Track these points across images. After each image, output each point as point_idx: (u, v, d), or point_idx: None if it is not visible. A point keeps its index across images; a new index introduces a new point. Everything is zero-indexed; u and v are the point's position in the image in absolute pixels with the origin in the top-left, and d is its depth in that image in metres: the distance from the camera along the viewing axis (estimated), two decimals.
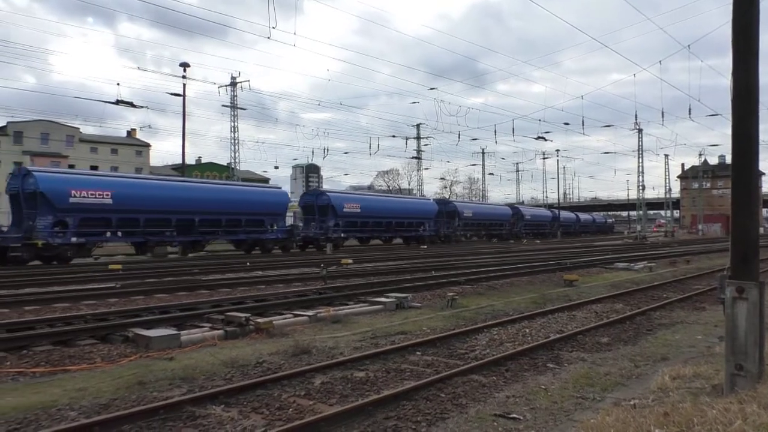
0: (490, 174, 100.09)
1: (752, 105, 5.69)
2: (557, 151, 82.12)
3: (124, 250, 33.15)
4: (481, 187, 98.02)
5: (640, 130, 67.58)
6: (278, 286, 16.69)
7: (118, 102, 35.74)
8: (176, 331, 9.48)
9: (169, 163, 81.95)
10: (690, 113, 39.85)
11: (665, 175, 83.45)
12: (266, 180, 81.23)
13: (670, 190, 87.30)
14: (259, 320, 10.18)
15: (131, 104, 37.20)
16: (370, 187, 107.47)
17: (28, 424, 5.43)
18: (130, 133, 77.99)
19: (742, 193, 5.71)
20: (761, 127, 6.08)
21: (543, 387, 6.76)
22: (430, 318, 11.70)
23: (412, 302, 13.33)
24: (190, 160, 79.34)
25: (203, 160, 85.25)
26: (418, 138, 72.62)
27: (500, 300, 14.45)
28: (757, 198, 5.76)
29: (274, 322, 10.32)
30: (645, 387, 6.63)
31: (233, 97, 52.30)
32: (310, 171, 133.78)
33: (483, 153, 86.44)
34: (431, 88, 60.48)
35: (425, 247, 45.06)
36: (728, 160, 6.70)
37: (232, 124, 53.64)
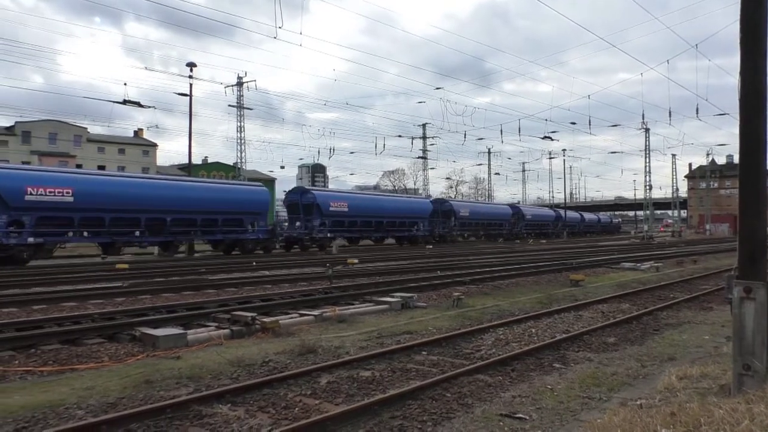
0: (496, 174, 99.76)
1: (760, 104, 5.67)
2: (564, 150, 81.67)
3: (92, 251, 31.97)
4: (487, 186, 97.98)
5: (647, 130, 67.27)
6: (284, 285, 16.72)
7: (125, 102, 35.89)
8: (183, 330, 9.52)
9: (176, 163, 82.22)
10: (697, 113, 39.81)
11: (672, 175, 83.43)
12: (272, 180, 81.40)
13: (677, 189, 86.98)
14: (265, 319, 10.21)
15: (138, 104, 37.38)
16: (375, 187, 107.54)
17: (36, 422, 5.46)
18: (137, 132, 78.36)
19: (750, 193, 5.68)
20: None
21: (549, 387, 6.75)
22: (435, 318, 11.70)
23: (417, 302, 13.33)
24: (197, 159, 79.48)
25: (210, 160, 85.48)
26: (424, 138, 72.59)
27: (506, 300, 14.42)
28: (765, 197, 5.72)
29: (280, 321, 10.35)
30: (652, 387, 6.61)
31: (240, 97, 52.40)
32: (316, 171, 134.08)
33: (489, 153, 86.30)
34: (437, 88, 60.50)
35: (430, 247, 44.97)
36: (736, 159, 6.65)
37: (239, 123, 53.76)
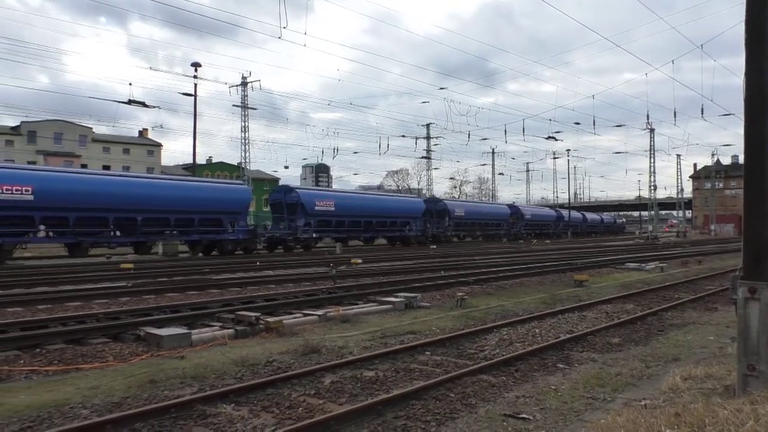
0: (500, 174, 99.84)
1: (765, 105, 5.65)
2: (568, 150, 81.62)
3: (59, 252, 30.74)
4: (491, 187, 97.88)
5: (651, 130, 67.19)
6: (288, 285, 16.74)
7: (130, 102, 36.02)
8: (187, 330, 9.54)
9: (180, 163, 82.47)
10: (702, 113, 39.70)
11: (677, 175, 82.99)
12: (276, 180, 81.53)
13: (682, 190, 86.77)
14: (269, 319, 10.22)
15: (143, 104, 37.51)
16: (379, 187, 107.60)
17: (42, 422, 5.48)
18: (142, 132, 78.62)
19: (755, 193, 5.67)
20: None
21: (553, 387, 6.75)
22: (439, 318, 11.69)
23: (421, 302, 13.33)
24: (201, 159, 79.76)
25: (214, 160, 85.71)
26: (428, 138, 72.54)
27: (510, 300, 14.41)
28: None
29: (283, 321, 10.36)
30: (656, 387, 6.60)
31: (244, 96, 52.47)
32: (320, 171, 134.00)
33: (493, 153, 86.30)
34: (441, 88, 60.42)
35: (434, 247, 44.90)
36: (741, 160, 6.63)
37: (243, 123, 53.80)
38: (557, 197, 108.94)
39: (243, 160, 54.99)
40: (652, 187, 73.22)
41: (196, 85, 39.55)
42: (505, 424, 5.49)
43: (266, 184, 79.23)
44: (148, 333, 9.16)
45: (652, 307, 13.04)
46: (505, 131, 47.04)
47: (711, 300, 14.46)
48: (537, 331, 10.18)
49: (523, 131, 63.61)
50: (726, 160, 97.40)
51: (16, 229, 24.70)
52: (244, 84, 51.57)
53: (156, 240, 30.63)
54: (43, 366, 7.77)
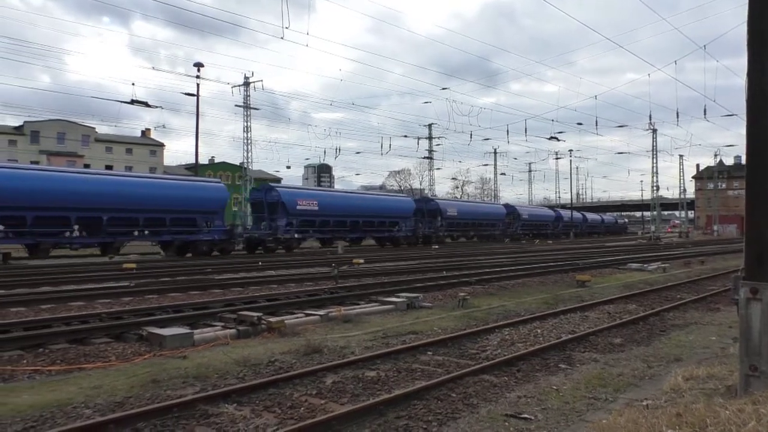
0: (502, 174, 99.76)
1: (767, 105, 5.65)
2: (570, 151, 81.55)
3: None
4: (493, 187, 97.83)
5: (654, 131, 67.10)
6: (290, 285, 16.76)
7: (133, 102, 36.11)
8: (189, 329, 9.56)
9: (183, 163, 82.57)
10: (705, 113, 39.69)
11: (680, 176, 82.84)
12: (278, 180, 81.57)
13: (684, 190, 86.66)
14: (271, 319, 10.24)
15: (146, 104, 37.63)
16: (381, 187, 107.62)
17: (44, 421, 5.50)
18: (145, 132, 78.74)
19: (757, 194, 5.67)
20: None
21: (555, 387, 6.75)
22: (441, 318, 11.70)
23: (423, 302, 13.33)
24: (204, 159, 79.59)
25: (216, 160, 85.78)
26: (430, 138, 72.57)
27: (512, 300, 14.41)
28: None
29: (285, 321, 10.38)
30: (658, 388, 6.60)
31: (246, 97, 52.56)
32: (322, 171, 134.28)
33: (495, 153, 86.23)
34: (443, 88, 60.36)
35: (437, 247, 44.85)
36: (744, 160, 6.62)
37: (245, 123, 53.90)
38: (559, 198, 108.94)
39: (245, 160, 55.08)
40: (655, 188, 73.21)
41: (198, 85, 39.64)
42: (506, 424, 5.50)
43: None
44: (151, 333, 9.18)
45: (654, 308, 13.02)
46: (508, 131, 46.72)
47: (713, 300, 14.44)
48: (539, 331, 10.18)
49: (526, 131, 63.65)
50: (729, 161, 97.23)
51: None
52: (246, 84, 51.67)
53: (124, 241, 29.62)
54: (46, 366, 7.79)
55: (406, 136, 69.50)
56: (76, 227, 26.53)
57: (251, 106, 53.14)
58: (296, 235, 36.84)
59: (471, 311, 12.54)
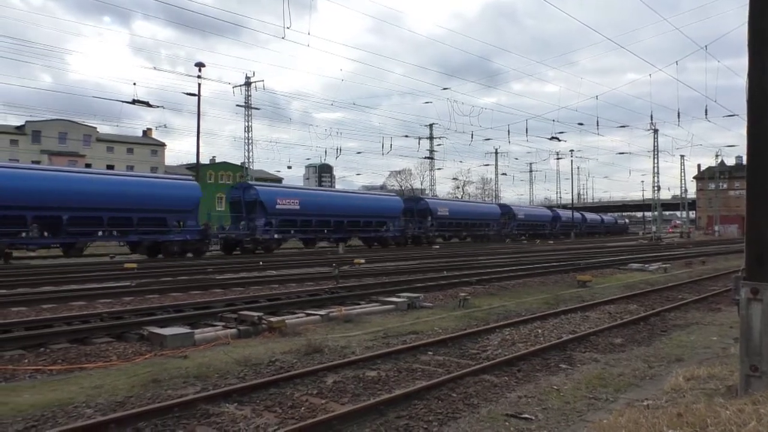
0: (503, 174, 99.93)
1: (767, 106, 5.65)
2: (571, 151, 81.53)
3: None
4: (494, 187, 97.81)
5: (655, 131, 67.08)
6: (291, 285, 16.77)
7: (134, 102, 36.15)
8: (190, 329, 9.57)
9: (184, 163, 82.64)
10: (706, 114, 39.65)
11: (681, 176, 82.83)
12: (279, 180, 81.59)
13: (686, 190, 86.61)
14: (271, 319, 10.24)
15: (147, 104, 37.66)
16: (382, 187, 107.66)
17: (46, 421, 5.50)
18: (146, 132, 78.81)
19: (758, 194, 5.66)
20: None
21: (555, 387, 6.75)
22: (441, 318, 11.70)
23: (423, 302, 13.34)
24: (205, 159, 79.79)
25: (217, 160, 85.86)
26: (431, 138, 72.63)
27: (512, 300, 14.41)
28: None
29: (286, 321, 10.38)
30: (659, 388, 6.60)
31: (247, 96, 52.64)
32: (323, 171, 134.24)
33: (496, 153, 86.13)
34: (444, 88, 60.40)
35: (437, 247, 44.81)
36: (745, 161, 6.61)
37: (246, 123, 53.99)
38: (560, 198, 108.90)
39: (246, 160, 55.15)
40: (656, 188, 73.17)
41: (200, 85, 39.62)
42: (507, 424, 5.50)
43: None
44: (152, 332, 9.19)
45: (655, 308, 13.02)
46: (509, 131, 46.72)
47: (714, 301, 14.43)
48: (539, 331, 10.18)
49: (527, 132, 63.60)
50: (730, 161, 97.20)
51: None
52: (247, 84, 51.74)
53: (87, 241, 28.38)
54: (47, 365, 7.80)
55: (407, 136, 69.80)
56: (34, 227, 25.31)
57: (252, 106, 53.25)
58: (276, 236, 35.43)
59: (472, 311, 12.54)
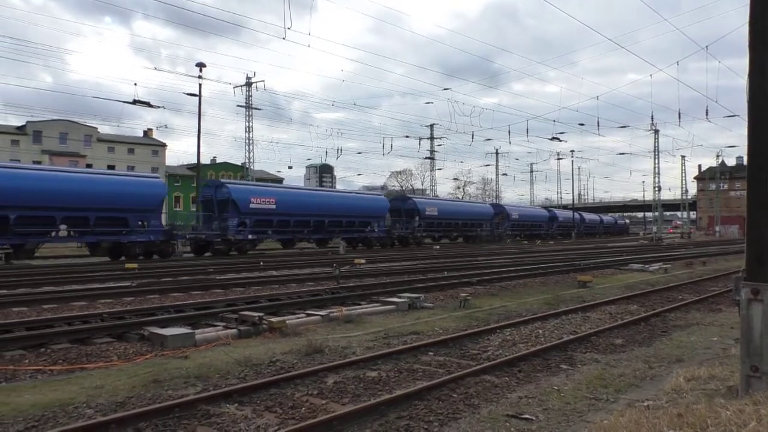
0: (504, 174, 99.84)
1: None
2: (572, 151, 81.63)
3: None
4: (494, 187, 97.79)
5: (656, 131, 67.12)
6: (292, 285, 16.77)
7: (135, 102, 36.16)
8: (191, 329, 9.58)
9: (185, 163, 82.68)
10: (707, 114, 39.54)
11: (682, 177, 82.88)
12: (280, 180, 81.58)
13: (686, 191, 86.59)
14: (272, 319, 10.24)
15: (148, 104, 37.68)
16: (383, 187, 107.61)
17: (46, 421, 5.51)
18: (147, 132, 78.83)
19: (758, 194, 5.66)
20: None
21: (556, 388, 6.75)
22: (442, 318, 11.70)
23: (424, 302, 13.34)
24: (205, 159, 79.89)
25: (218, 160, 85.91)
26: (432, 138, 72.65)
27: (513, 301, 14.41)
28: None
29: (287, 321, 10.38)
30: (659, 388, 6.60)
31: (248, 97, 52.66)
32: (324, 171, 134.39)
33: (497, 153, 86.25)
34: (445, 89, 60.47)
35: (437, 247, 44.75)
36: (745, 161, 6.60)
37: (247, 124, 54.03)
38: (561, 198, 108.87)
39: (247, 161, 55.18)
40: (657, 188, 73.13)
41: (200, 85, 39.62)
42: (507, 424, 5.50)
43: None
44: (152, 333, 9.19)
45: (655, 308, 13.01)
46: (509, 132, 46.55)
47: (715, 301, 14.43)
48: (540, 331, 10.18)
49: (527, 132, 63.36)
50: (730, 162, 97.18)
51: None
52: (248, 84, 51.78)
53: (38, 242, 26.80)
54: (48, 365, 7.81)
55: (407, 137, 69.84)
56: None
57: (253, 106, 53.28)
58: (250, 236, 33.71)
59: (472, 312, 12.54)
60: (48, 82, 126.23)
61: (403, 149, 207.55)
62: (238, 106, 53.67)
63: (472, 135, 49.27)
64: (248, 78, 51.83)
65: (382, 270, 21.97)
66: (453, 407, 5.97)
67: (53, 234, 26.78)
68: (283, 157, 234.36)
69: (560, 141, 54.37)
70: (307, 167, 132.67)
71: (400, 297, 13.48)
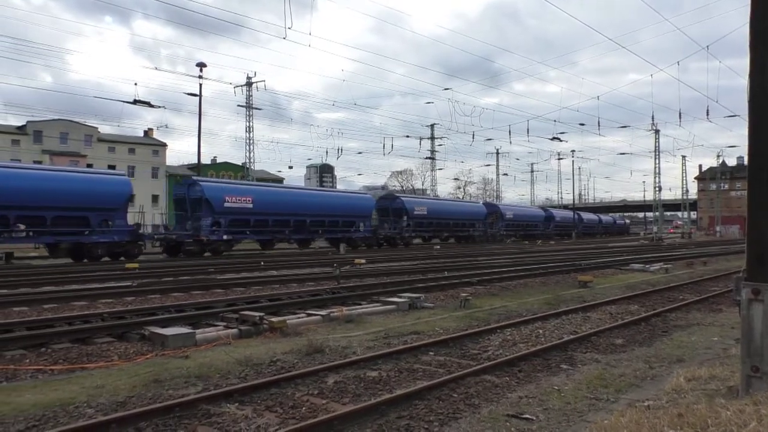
0: (505, 174, 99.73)
1: None
2: (572, 151, 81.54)
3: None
4: (495, 187, 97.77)
5: (657, 131, 67.08)
6: (292, 285, 16.78)
7: (135, 102, 36.18)
8: (191, 329, 9.58)
9: (185, 163, 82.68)
10: (708, 114, 39.56)
11: (682, 177, 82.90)
12: (281, 180, 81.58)
13: (687, 191, 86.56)
14: (273, 319, 10.25)
15: (149, 104, 37.70)
16: (383, 188, 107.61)
17: (47, 421, 5.51)
18: (147, 132, 78.83)
19: (759, 194, 5.66)
20: None
21: (556, 388, 6.75)
22: (443, 318, 11.70)
23: (424, 302, 13.34)
24: (206, 159, 79.94)
25: (218, 160, 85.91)
26: (432, 138, 72.67)
27: (514, 301, 14.41)
28: None
29: (287, 321, 10.39)
30: (659, 388, 6.60)
31: (249, 97, 52.64)
32: (324, 171, 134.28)
33: (497, 153, 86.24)
34: (446, 88, 60.42)
35: (438, 247, 44.72)
36: (746, 161, 6.60)
37: (248, 123, 54.00)
38: (562, 198, 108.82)
39: (247, 160, 55.17)
40: (657, 188, 73.10)
41: (201, 85, 39.67)
42: (508, 424, 5.50)
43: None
44: (153, 332, 9.20)
45: (656, 308, 13.01)
46: (510, 132, 46.49)
47: (716, 301, 14.43)
48: (540, 331, 10.18)
49: (528, 132, 63.34)
50: (731, 162, 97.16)
51: None
52: (249, 84, 51.75)
53: None
54: (49, 365, 7.81)
55: (408, 137, 69.89)
56: None
57: (253, 106, 53.26)
58: (225, 237, 32.42)
59: (473, 311, 12.54)
60: (48, 81, 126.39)
61: (403, 149, 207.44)
62: (238, 105, 53.75)
63: (473, 135, 49.36)
64: (249, 78, 51.79)
65: (382, 270, 21.97)
66: (453, 407, 5.97)
67: (5, 235, 25.18)
68: (283, 157, 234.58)
69: (561, 141, 54.47)
70: (307, 167, 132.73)
71: (400, 297, 13.49)
